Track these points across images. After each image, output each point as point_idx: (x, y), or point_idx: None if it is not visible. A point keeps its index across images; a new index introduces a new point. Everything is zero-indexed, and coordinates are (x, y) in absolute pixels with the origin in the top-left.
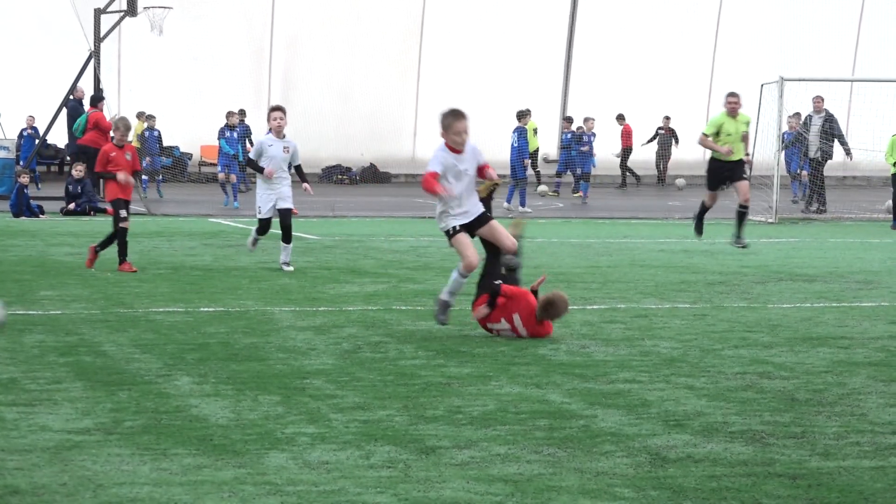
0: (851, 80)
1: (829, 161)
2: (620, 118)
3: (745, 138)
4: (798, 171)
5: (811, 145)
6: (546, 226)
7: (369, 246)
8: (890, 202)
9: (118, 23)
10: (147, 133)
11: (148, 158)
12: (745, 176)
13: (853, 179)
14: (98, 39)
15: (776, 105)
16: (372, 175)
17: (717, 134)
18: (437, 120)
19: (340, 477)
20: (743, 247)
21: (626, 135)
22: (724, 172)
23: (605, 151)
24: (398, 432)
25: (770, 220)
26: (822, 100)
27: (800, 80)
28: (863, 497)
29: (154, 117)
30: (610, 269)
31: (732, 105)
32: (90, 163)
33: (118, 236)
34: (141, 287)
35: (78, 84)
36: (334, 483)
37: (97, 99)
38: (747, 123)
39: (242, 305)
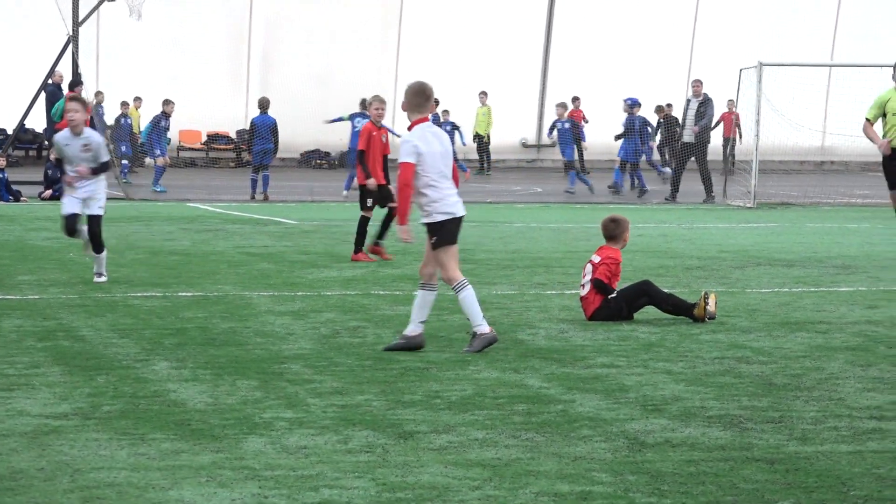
0: (830, 66)
1: (709, 145)
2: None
3: None
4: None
5: (686, 129)
6: (524, 210)
7: (348, 231)
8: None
9: (97, 7)
10: (122, 120)
11: (124, 146)
12: None
13: (831, 164)
14: (76, 24)
15: (755, 90)
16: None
17: (884, 116)
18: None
19: (318, 462)
20: None
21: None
22: None
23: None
24: (376, 417)
25: (749, 205)
26: (701, 83)
27: (778, 65)
28: (840, 482)
29: (141, 99)
30: (588, 254)
31: None
32: None
33: (360, 224)
34: (119, 272)
35: (56, 68)
36: (312, 468)
37: (75, 83)
38: None
39: (220, 290)
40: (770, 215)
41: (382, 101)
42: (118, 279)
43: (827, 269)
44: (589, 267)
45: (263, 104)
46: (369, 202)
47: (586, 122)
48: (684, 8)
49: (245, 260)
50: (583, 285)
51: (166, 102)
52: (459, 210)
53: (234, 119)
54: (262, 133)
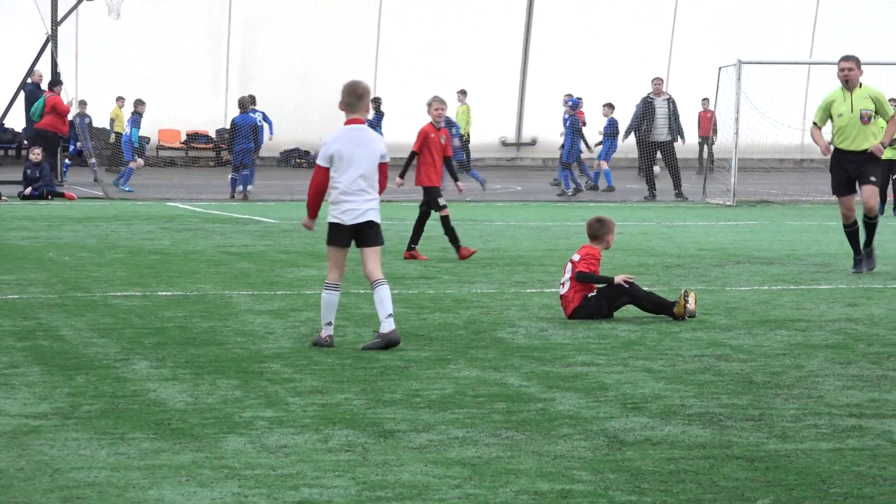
0: (809, 63)
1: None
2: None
3: (867, 118)
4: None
5: (659, 129)
6: (504, 209)
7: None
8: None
9: (75, 6)
10: (79, 120)
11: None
12: (872, 179)
13: (811, 162)
14: (55, 23)
15: (734, 88)
16: None
17: (830, 118)
18: (396, 103)
19: (298, 461)
20: (863, 270)
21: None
22: (848, 168)
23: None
24: (356, 416)
25: (728, 203)
26: (662, 81)
27: (758, 62)
28: (820, 479)
29: (123, 99)
30: (568, 253)
31: (844, 73)
32: (48, 146)
33: (444, 225)
34: (98, 271)
35: (35, 68)
36: (292, 467)
37: (55, 83)
38: (874, 99)
39: (200, 289)
40: (749, 213)
41: (442, 102)
42: (97, 278)
43: (806, 267)
44: (569, 266)
45: (244, 103)
46: (441, 201)
47: (584, 124)
48: (663, 6)
49: (225, 259)
50: (563, 283)
51: (139, 103)
52: (349, 219)
53: (213, 118)
54: (244, 132)
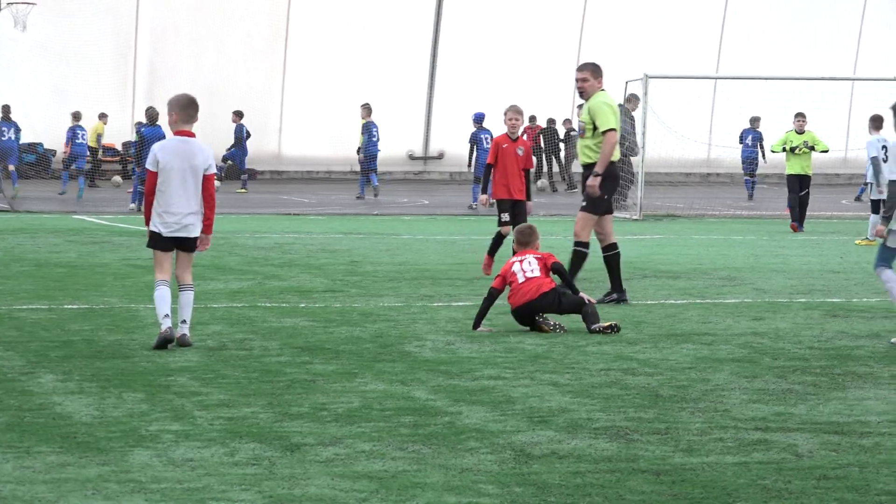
0: (715, 78)
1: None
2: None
3: (581, 131)
4: None
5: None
6: (411, 222)
7: (234, 243)
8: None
9: None
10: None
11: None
12: (583, 204)
13: (716, 176)
14: None
15: (641, 102)
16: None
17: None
18: (303, 115)
19: (205, 474)
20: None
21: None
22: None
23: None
24: (263, 429)
25: (634, 217)
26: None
27: (664, 77)
28: (726, 492)
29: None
30: (475, 266)
31: (578, 85)
32: None
33: (495, 239)
34: (4, 284)
35: None
36: (199, 480)
37: None
38: (590, 110)
39: (107, 303)
40: (656, 227)
41: (518, 112)
42: (3, 291)
43: (712, 281)
44: (523, 264)
45: (153, 116)
46: (504, 217)
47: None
48: (570, 20)
49: (131, 272)
50: (525, 272)
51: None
52: (166, 231)
53: (119, 131)
54: (152, 145)
